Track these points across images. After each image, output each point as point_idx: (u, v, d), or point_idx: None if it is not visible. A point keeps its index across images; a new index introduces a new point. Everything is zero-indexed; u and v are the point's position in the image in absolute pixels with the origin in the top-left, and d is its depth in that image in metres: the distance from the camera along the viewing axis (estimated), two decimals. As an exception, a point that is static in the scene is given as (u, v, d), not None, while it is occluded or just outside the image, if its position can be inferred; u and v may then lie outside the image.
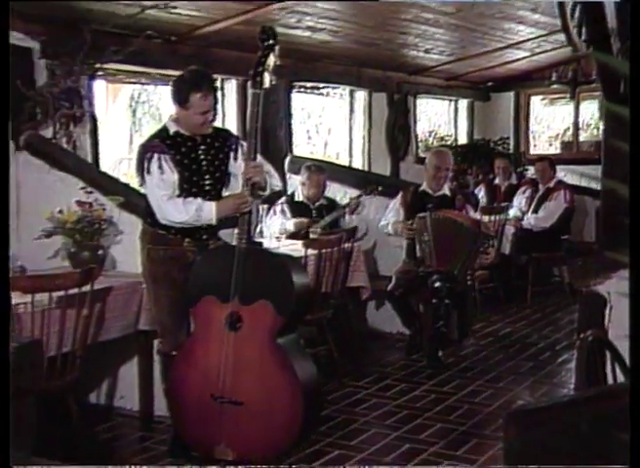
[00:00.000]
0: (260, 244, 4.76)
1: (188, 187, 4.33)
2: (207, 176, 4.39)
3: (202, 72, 4.43)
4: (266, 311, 4.13)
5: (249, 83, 4.97)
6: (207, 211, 4.27)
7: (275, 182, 4.60)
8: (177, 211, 4.27)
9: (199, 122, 4.32)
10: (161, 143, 4.34)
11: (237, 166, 4.41)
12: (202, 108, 4.28)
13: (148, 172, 4.27)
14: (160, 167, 4.25)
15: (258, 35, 4.32)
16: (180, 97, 4.30)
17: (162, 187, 4.28)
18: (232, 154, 4.47)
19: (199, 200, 4.29)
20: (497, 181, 9.45)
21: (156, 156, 4.27)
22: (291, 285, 4.17)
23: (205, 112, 4.31)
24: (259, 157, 4.30)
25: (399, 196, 6.66)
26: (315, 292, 4.99)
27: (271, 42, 4.28)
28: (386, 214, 6.64)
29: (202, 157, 4.39)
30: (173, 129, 4.38)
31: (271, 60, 4.29)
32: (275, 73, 4.38)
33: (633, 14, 1.24)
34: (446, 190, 6.57)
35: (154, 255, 4.42)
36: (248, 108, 4.39)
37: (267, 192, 4.55)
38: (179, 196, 4.30)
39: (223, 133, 4.71)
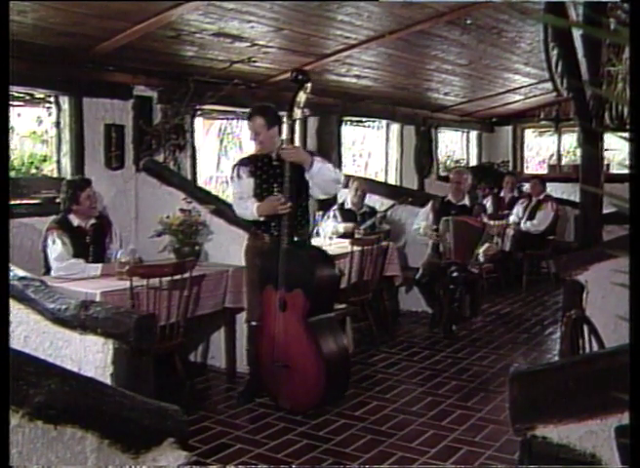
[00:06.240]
0: (301, 243, 4.40)
1: (260, 192, 4.37)
2: (275, 185, 4.34)
3: (253, 106, 4.49)
4: (300, 297, 4.16)
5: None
6: (251, 209, 4.31)
7: (337, 176, 4.31)
8: (236, 207, 4.43)
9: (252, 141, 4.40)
10: (243, 160, 4.52)
11: (309, 175, 4.22)
12: (250, 129, 4.36)
13: (232, 178, 4.47)
14: (239, 175, 4.40)
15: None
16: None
17: (236, 188, 4.44)
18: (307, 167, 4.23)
19: (250, 201, 4.33)
20: (502, 194, 9.29)
21: (237, 167, 4.43)
22: (314, 277, 4.18)
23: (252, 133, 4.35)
24: (297, 144, 4.27)
25: (429, 204, 6.59)
26: (340, 282, 4.73)
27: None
28: (418, 219, 6.57)
29: (271, 170, 4.36)
30: (252, 151, 4.54)
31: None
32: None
33: (633, 14, 1.13)
34: (466, 201, 6.49)
35: (247, 247, 4.51)
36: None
37: (333, 190, 4.42)
38: (254, 196, 4.35)
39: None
